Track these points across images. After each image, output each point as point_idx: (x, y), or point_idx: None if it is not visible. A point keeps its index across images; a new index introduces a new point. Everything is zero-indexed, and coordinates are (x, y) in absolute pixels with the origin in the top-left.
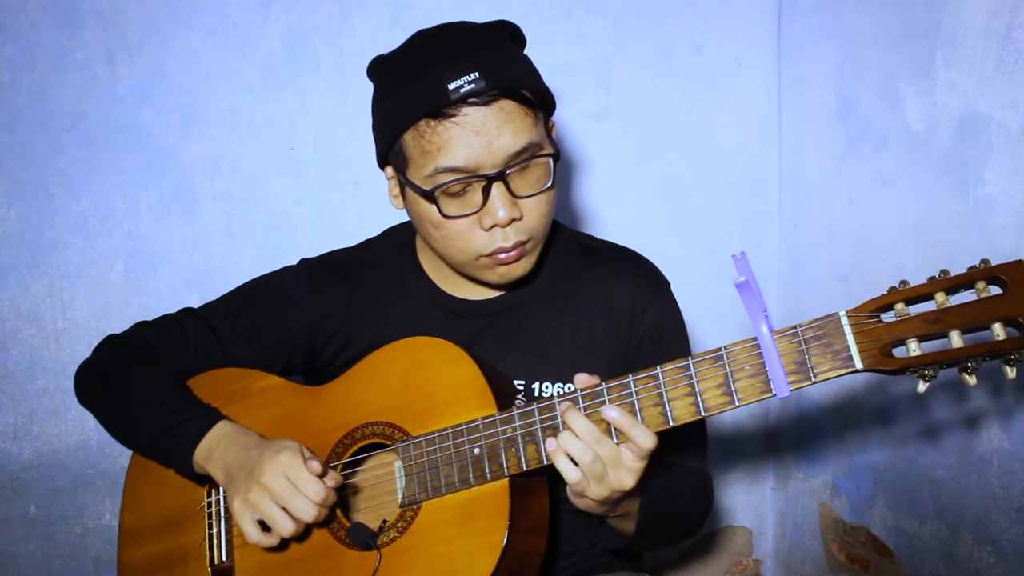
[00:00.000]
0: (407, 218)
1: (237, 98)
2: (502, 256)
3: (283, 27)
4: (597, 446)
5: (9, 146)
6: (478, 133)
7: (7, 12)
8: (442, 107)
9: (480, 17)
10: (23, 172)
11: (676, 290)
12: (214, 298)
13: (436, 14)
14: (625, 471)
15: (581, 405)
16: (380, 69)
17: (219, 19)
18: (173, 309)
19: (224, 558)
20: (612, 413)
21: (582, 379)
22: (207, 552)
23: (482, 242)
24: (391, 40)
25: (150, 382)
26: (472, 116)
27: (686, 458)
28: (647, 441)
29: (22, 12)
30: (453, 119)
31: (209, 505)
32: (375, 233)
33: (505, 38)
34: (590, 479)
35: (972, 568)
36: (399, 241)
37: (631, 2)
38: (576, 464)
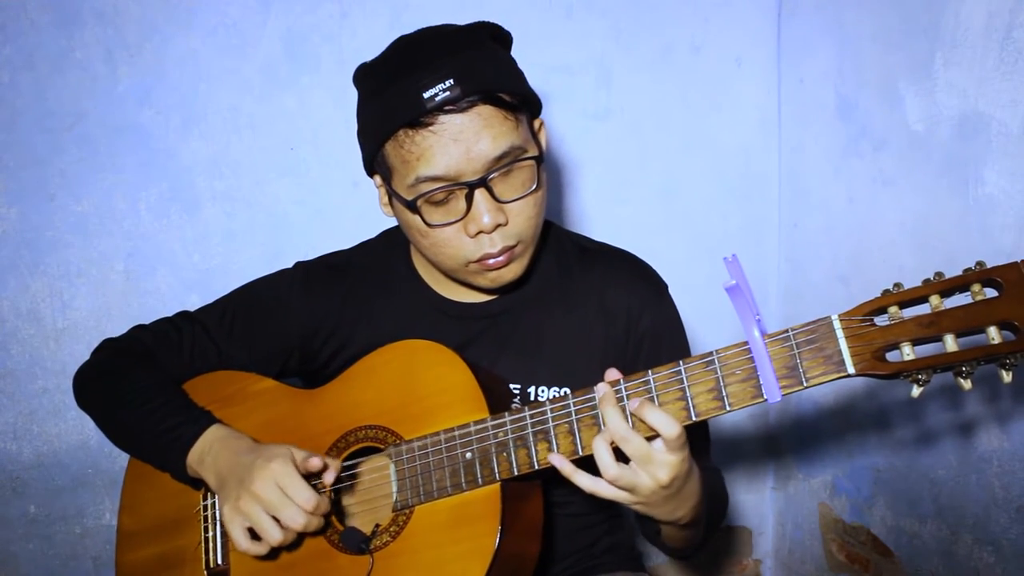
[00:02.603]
0: None
1: (237, 98)
2: (490, 262)
3: (283, 27)
4: (623, 445)
5: (9, 146)
6: (456, 140)
7: (7, 12)
8: (418, 116)
9: (479, 17)
10: (23, 172)
11: (676, 290)
12: (212, 300)
13: (436, 14)
14: (657, 466)
15: (573, 409)
16: (362, 77)
17: (219, 19)
18: (173, 309)
19: (220, 561)
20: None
21: (613, 374)
22: (203, 555)
23: (469, 248)
24: (391, 40)
25: (145, 386)
26: (449, 124)
27: (699, 458)
28: (670, 429)
29: (22, 12)
30: (430, 128)
31: (205, 508)
32: (375, 233)
33: (485, 39)
34: (639, 462)
35: (972, 568)
36: (394, 243)
37: (631, 2)
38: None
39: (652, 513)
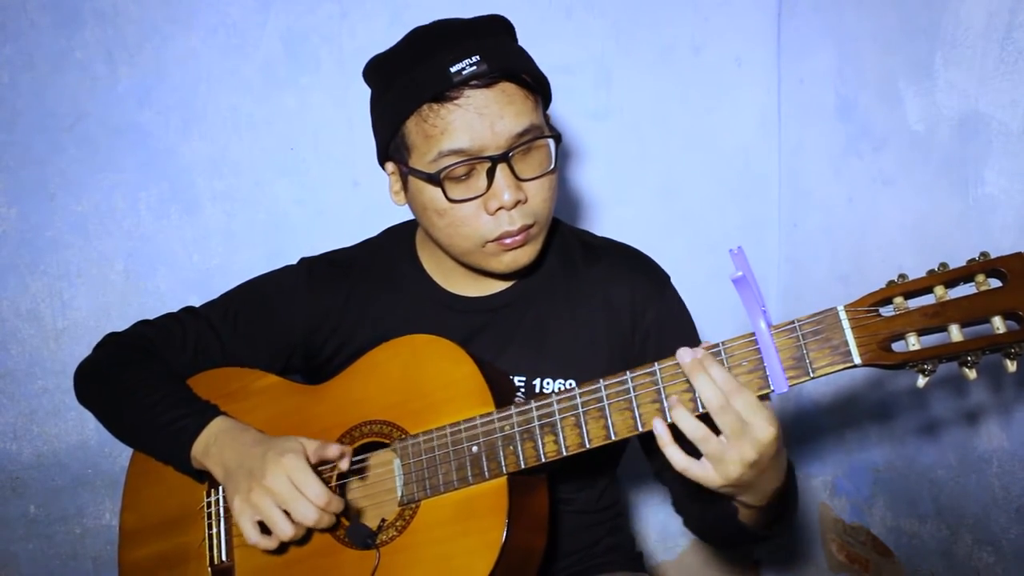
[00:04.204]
0: (407, 218)
1: (237, 98)
2: (508, 241)
3: (283, 27)
4: (734, 398)
5: (9, 146)
6: (481, 115)
7: (7, 12)
8: (444, 90)
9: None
10: (23, 172)
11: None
12: (214, 297)
13: (435, 13)
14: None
15: (579, 401)
16: (378, 65)
17: (219, 19)
18: (173, 309)
19: (224, 558)
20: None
21: (685, 353)
22: (207, 552)
23: (488, 227)
24: (391, 40)
25: (149, 379)
26: (475, 98)
27: None
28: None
29: (22, 12)
30: (456, 102)
31: (209, 505)
32: (375, 233)
33: (500, 30)
34: (730, 437)
35: (972, 568)
36: (398, 239)
37: (631, 2)
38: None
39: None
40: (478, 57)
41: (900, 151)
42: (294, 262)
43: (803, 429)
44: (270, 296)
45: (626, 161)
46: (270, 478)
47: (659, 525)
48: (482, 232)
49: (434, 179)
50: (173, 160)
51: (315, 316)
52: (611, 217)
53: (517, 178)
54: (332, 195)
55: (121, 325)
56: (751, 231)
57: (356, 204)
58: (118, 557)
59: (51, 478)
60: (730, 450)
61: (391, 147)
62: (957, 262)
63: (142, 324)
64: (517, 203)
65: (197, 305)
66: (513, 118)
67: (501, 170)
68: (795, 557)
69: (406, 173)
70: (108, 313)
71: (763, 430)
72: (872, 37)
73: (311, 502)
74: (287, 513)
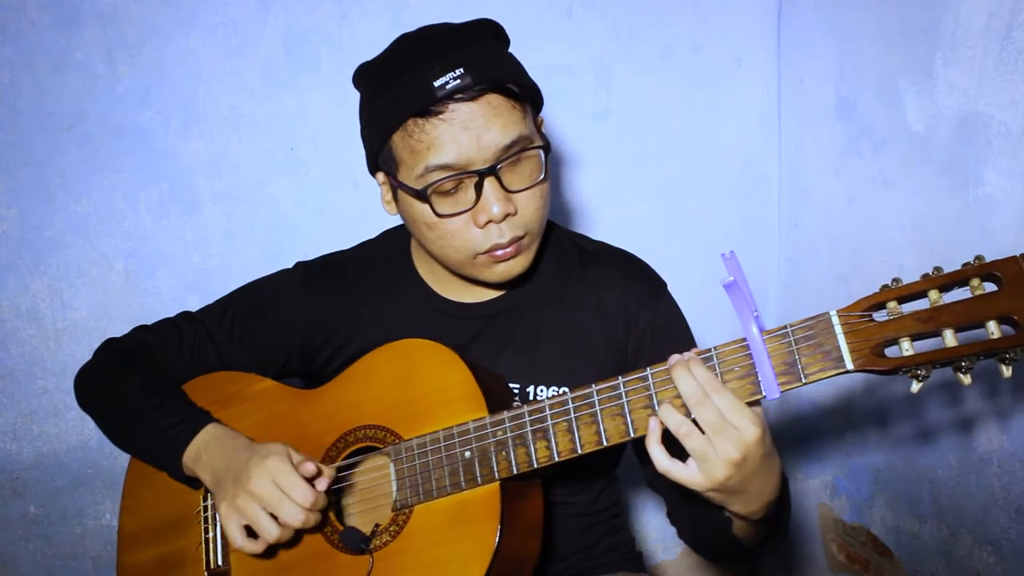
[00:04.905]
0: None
1: (237, 98)
2: (499, 253)
3: (283, 27)
4: (715, 396)
5: (9, 146)
6: (466, 128)
7: (7, 12)
8: (429, 105)
9: (479, 17)
10: (23, 172)
11: (675, 290)
12: (213, 300)
13: (435, 14)
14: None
15: (571, 407)
16: (365, 75)
17: (219, 19)
18: (173, 309)
19: (220, 562)
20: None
21: (674, 357)
22: (203, 556)
23: (478, 240)
24: (390, 40)
25: (145, 386)
26: (460, 112)
27: None
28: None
29: (22, 12)
30: (441, 116)
31: (205, 509)
32: (375, 234)
33: (488, 35)
34: (711, 434)
35: (972, 568)
36: (395, 243)
37: (631, 2)
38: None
39: (727, 496)
40: (462, 70)
41: (900, 151)
42: (292, 264)
43: (803, 429)
44: (266, 300)
45: (626, 162)
46: (255, 481)
47: (659, 525)
48: (472, 245)
49: (421, 195)
50: (173, 160)
51: (311, 320)
52: (610, 218)
53: (506, 190)
54: (332, 195)
55: (121, 325)
56: (751, 231)
57: (356, 204)
58: (117, 561)
59: (51, 478)
60: (713, 448)
61: (380, 159)
62: (956, 262)
63: (140, 329)
64: (507, 216)
65: (197, 305)
66: (500, 130)
67: (489, 183)
68: (795, 557)
69: (395, 186)
70: (108, 313)
71: (747, 429)
72: (872, 37)
73: (296, 503)
74: (273, 516)
